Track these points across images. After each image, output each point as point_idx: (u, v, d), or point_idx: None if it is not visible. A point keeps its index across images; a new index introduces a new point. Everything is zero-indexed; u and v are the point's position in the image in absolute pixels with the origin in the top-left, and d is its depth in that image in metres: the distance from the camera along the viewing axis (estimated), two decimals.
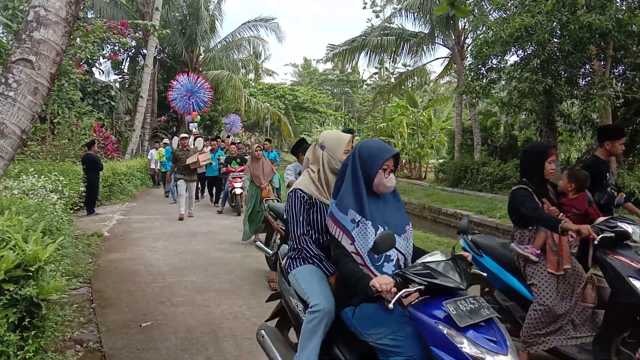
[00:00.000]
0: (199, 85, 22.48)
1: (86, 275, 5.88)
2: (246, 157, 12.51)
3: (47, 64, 3.82)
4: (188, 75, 22.76)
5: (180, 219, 10.77)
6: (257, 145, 8.81)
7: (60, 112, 12.88)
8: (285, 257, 2.89)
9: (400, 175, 26.67)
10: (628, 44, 11.84)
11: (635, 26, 11.00)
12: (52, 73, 3.89)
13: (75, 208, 8.63)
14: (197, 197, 13.75)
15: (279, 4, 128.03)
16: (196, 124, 22.58)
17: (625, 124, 14.60)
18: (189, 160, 10.85)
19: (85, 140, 12.81)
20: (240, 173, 11.52)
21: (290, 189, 2.85)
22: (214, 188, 13.98)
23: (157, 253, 7.52)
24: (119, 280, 5.94)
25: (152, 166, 18.29)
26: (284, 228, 5.74)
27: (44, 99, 3.95)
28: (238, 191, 11.56)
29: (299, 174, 5.03)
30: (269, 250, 5.55)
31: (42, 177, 5.79)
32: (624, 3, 12.75)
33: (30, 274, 2.55)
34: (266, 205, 6.82)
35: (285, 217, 2.94)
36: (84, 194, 9.30)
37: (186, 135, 11.97)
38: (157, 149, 17.73)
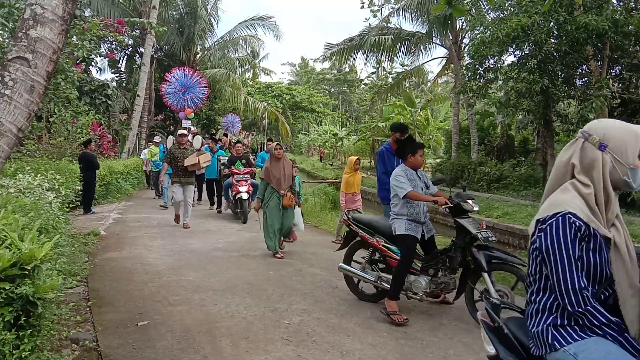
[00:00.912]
0: (194, 80, 21.82)
1: (83, 274, 5.87)
2: (251, 157, 11.91)
3: (44, 62, 3.80)
4: (184, 69, 22.22)
5: (177, 221, 9.82)
6: (276, 143, 7.59)
7: (56, 111, 12.84)
8: (539, 320, 1.85)
9: None
10: (624, 45, 11.88)
11: (632, 27, 11.03)
12: (48, 71, 3.88)
13: (72, 206, 8.60)
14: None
15: (276, 3, 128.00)
16: (190, 122, 21.87)
17: None
18: (187, 162, 9.43)
19: (82, 138, 12.77)
20: (246, 176, 10.59)
21: (557, 211, 1.83)
22: (214, 192, 12.58)
23: (154, 252, 7.51)
24: (115, 279, 5.93)
25: (146, 166, 17.03)
26: (389, 246, 4.90)
27: (41, 97, 3.94)
28: (244, 196, 10.29)
29: (410, 181, 4.76)
30: (366, 275, 5.05)
31: (39, 175, 5.77)
32: (621, 4, 12.79)
33: (26, 272, 2.54)
34: (349, 216, 5.42)
35: (543, 256, 1.84)
36: (80, 192, 9.27)
37: (184, 131, 10.29)
38: (148, 147, 16.60)
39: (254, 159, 12.76)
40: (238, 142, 11.54)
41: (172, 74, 21.61)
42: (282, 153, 7.35)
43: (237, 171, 10.63)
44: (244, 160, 11.03)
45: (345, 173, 8.37)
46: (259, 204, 7.31)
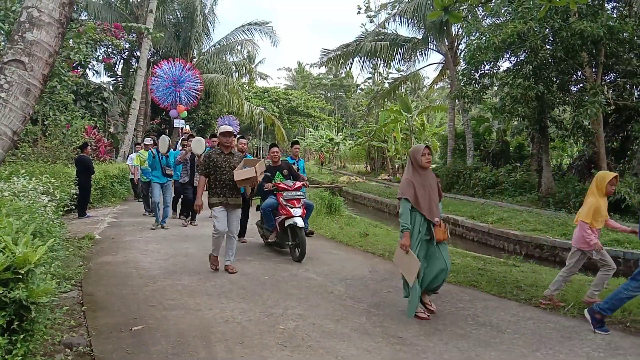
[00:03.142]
0: (186, 73, 19.30)
1: (77, 278, 5.84)
2: (293, 165, 8.69)
3: (40, 65, 3.80)
4: (174, 61, 19.75)
5: (215, 266, 6.74)
6: (425, 146, 5.07)
7: (52, 114, 12.81)
8: None
9: (393, 179, 26.75)
10: (619, 51, 11.98)
11: (626, 34, 11.12)
12: (44, 74, 3.87)
13: (66, 209, 8.56)
14: None
15: (273, 8, 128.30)
16: (183, 121, 19.37)
17: (616, 130, 14.75)
18: (237, 175, 6.39)
19: (78, 142, 12.75)
20: (299, 193, 7.62)
21: None
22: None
23: (149, 256, 7.47)
24: (110, 283, 5.90)
25: (133, 174, 14.75)
26: None
27: (36, 100, 3.93)
28: (299, 222, 7.25)
29: None
30: None
31: (34, 179, 5.74)
32: (615, 11, 12.90)
33: (20, 276, 2.53)
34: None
35: None
36: (75, 196, 9.24)
37: (229, 128, 6.71)
38: (137, 151, 14.19)
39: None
40: (273, 145, 8.42)
41: (160, 68, 19.32)
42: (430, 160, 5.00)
43: (286, 186, 7.67)
44: (285, 171, 8.10)
45: (590, 195, 5.14)
46: (408, 240, 4.71)
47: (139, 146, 14.53)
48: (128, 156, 16.08)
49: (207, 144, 10.71)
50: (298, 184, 7.80)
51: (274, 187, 7.73)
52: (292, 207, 7.38)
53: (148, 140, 12.55)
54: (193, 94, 19.19)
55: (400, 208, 4.84)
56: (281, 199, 7.51)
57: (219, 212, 6.46)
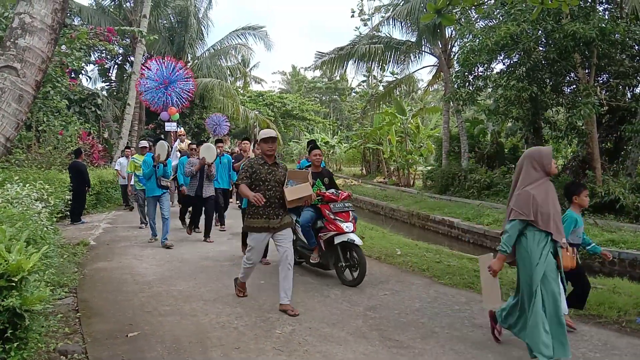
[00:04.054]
0: (177, 73, 17.58)
1: (72, 285, 5.81)
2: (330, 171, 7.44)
3: (33, 72, 3.79)
4: (163, 60, 17.92)
5: (242, 292, 5.70)
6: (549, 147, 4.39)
7: (45, 120, 12.76)
8: None
9: (389, 182, 26.78)
10: (611, 53, 12.05)
11: (618, 35, 11.20)
12: (37, 80, 3.86)
13: (60, 216, 8.51)
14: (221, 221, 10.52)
15: (270, 9, 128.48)
16: (175, 124, 18.07)
17: (609, 131, 14.82)
18: (290, 193, 5.17)
19: (72, 148, 12.70)
20: (347, 205, 6.43)
21: None
22: (220, 205, 10.25)
23: (144, 262, 7.45)
24: (105, 289, 5.87)
25: (123, 181, 13.18)
26: None
27: (29, 106, 3.92)
28: (358, 240, 6.11)
29: None
30: None
31: (27, 185, 5.71)
32: (607, 12, 12.99)
33: (14, 284, 2.51)
34: None
35: None
36: (69, 202, 9.18)
37: (272, 133, 5.32)
38: (128, 156, 13.13)
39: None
40: (315, 146, 6.89)
41: (149, 69, 17.37)
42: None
43: (332, 195, 6.43)
44: (326, 179, 6.80)
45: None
46: (501, 265, 3.99)
47: (129, 150, 13.87)
48: (117, 161, 14.63)
49: (218, 149, 10.00)
50: (344, 193, 6.53)
51: (318, 197, 6.39)
52: (342, 222, 6.14)
53: (144, 143, 10.86)
54: (185, 95, 17.68)
55: (508, 227, 3.87)
56: (327, 212, 6.27)
57: (256, 241, 5.17)
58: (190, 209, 10.10)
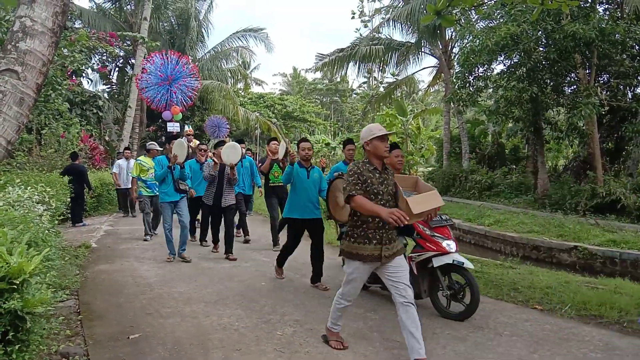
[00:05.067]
0: (181, 69, 15.87)
1: (73, 287, 5.82)
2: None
3: (34, 75, 3.80)
4: (166, 54, 16.05)
5: None
6: None
7: (47, 123, 12.79)
8: None
9: None
10: (612, 53, 12.05)
11: (618, 35, 11.20)
12: (38, 84, 3.87)
13: (62, 218, 8.52)
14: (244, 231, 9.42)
15: (267, 14, 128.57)
16: (178, 124, 16.94)
17: (610, 131, 14.82)
18: (419, 205, 3.81)
19: (73, 150, 12.71)
20: (446, 218, 5.33)
21: None
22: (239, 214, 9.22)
23: (146, 264, 7.45)
24: (106, 292, 5.88)
25: (125, 184, 12.67)
26: None
27: (30, 109, 3.93)
28: (468, 263, 4.95)
29: None
30: None
31: (29, 188, 5.72)
32: (607, 13, 12.99)
33: (15, 286, 2.52)
34: None
35: None
36: (70, 204, 9.19)
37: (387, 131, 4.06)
38: (128, 158, 12.87)
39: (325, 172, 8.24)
40: (395, 146, 5.41)
41: (152, 64, 15.76)
42: None
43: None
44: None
45: None
46: None
47: (129, 151, 13.39)
48: (115, 163, 13.71)
49: (243, 151, 9.10)
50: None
51: None
52: (443, 239, 5.00)
53: (153, 145, 10.11)
54: (189, 93, 16.33)
55: None
56: (422, 227, 5.06)
57: (361, 272, 3.94)
58: (198, 216, 9.27)
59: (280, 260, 6.61)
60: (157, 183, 8.35)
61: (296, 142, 7.63)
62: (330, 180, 5.30)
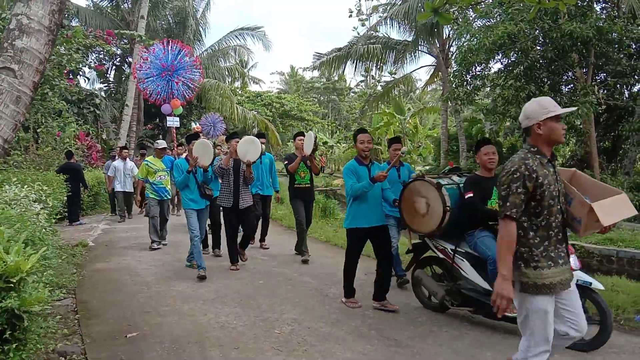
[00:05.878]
0: (183, 60, 14.83)
1: (70, 286, 5.81)
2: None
3: (30, 73, 3.79)
4: (169, 43, 14.76)
5: None
6: None
7: (44, 122, 12.76)
8: None
9: None
10: (609, 52, 12.06)
11: (616, 34, 11.21)
12: (35, 82, 3.86)
13: (58, 217, 8.48)
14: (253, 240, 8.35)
15: (265, 13, 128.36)
16: (177, 119, 15.80)
17: (607, 130, 14.85)
18: (608, 214, 2.78)
19: (71, 148, 12.68)
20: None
21: None
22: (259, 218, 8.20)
23: (143, 262, 7.45)
24: (104, 290, 5.87)
25: (122, 187, 11.83)
26: None
27: (27, 108, 3.92)
28: (596, 282, 4.14)
29: None
30: None
31: (26, 187, 5.71)
32: (604, 12, 13.00)
33: (12, 285, 2.51)
34: None
35: None
36: (66, 202, 9.16)
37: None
38: (125, 158, 12.10)
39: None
40: (487, 141, 4.74)
41: (153, 53, 14.61)
42: None
43: None
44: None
45: None
46: None
47: (126, 151, 12.66)
48: (106, 164, 12.85)
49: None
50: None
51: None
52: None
53: (162, 143, 9.09)
54: (192, 85, 15.19)
55: None
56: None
57: (546, 310, 2.74)
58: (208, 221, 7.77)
59: (348, 289, 5.40)
60: (167, 187, 8.32)
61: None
62: (404, 182, 4.94)
